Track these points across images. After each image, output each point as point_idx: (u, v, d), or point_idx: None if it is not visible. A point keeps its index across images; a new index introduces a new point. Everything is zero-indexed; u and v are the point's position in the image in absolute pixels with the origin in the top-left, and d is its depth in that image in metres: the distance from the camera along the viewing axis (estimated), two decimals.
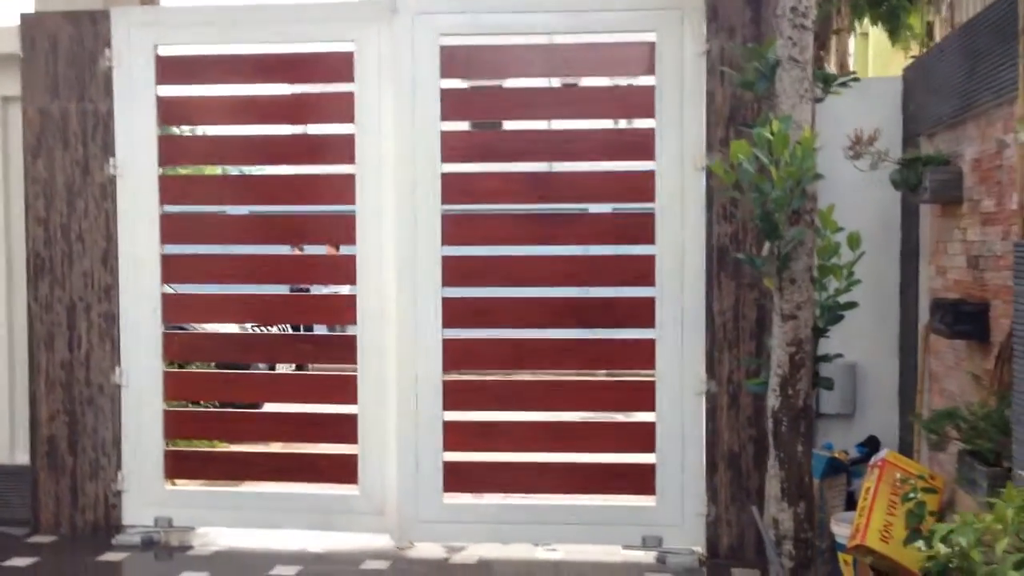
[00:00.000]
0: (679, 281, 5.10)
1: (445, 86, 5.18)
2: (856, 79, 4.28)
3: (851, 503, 4.74)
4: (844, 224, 3.89)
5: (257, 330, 7.97)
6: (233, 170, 6.95)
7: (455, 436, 5.28)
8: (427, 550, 5.24)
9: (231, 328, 7.09)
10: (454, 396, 5.27)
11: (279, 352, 5.63)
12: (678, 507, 5.12)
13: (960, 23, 4.57)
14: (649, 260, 5.13)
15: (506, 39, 5.32)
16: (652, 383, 5.15)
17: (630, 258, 5.19)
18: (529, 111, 5.58)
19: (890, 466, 4.19)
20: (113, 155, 5.38)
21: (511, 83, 6.11)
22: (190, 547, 5.35)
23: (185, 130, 5.98)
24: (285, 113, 5.63)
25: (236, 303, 5.72)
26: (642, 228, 5.13)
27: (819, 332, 3.87)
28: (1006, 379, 3.46)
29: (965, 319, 3.75)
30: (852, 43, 8.68)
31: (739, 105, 4.96)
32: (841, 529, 4.41)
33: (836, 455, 4.77)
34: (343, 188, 5.30)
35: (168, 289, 5.58)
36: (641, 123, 5.19)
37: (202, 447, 6.32)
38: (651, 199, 5.11)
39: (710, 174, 5.01)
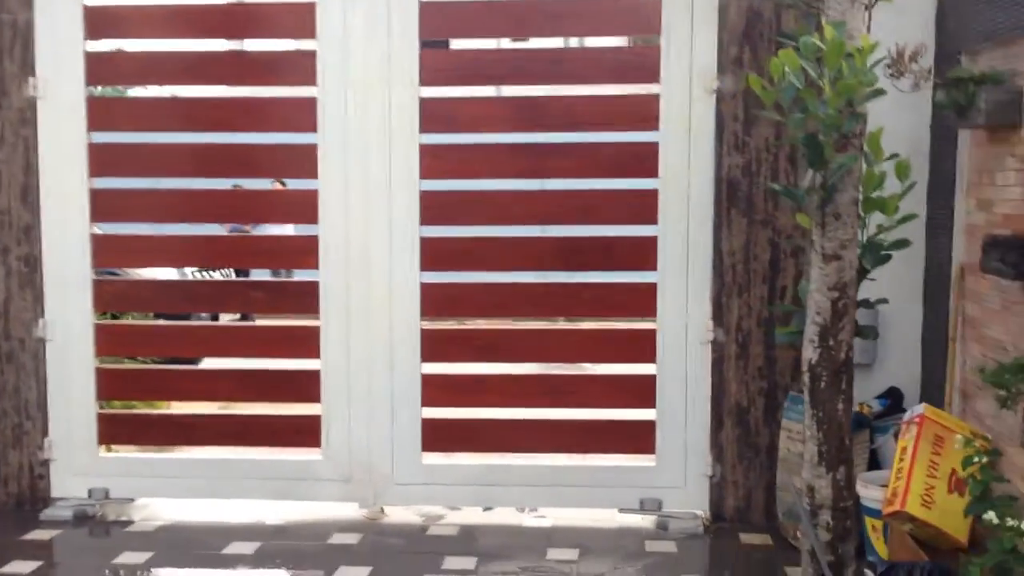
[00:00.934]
0: (684, 219, 4.68)
1: None
2: None
3: (874, 462, 4.42)
4: None
5: (198, 276, 7.39)
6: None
7: (434, 390, 4.84)
8: (401, 518, 4.82)
9: (170, 274, 6.51)
10: (433, 347, 4.82)
11: (228, 301, 5.10)
12: (680, 467, 4.76)
13: None
14: (651, 195, 4.70)
15: None
16: (653, 332, 4.76)
17: (630, 193, 4.76)
18: (519, 27, 5.05)
19: (929, 422, 3.86)
20: (33, 74, 4.75)
21: None
22: (130, 522, 4.85)
23: (118, 45, 5.30)
24: (235, 25, 5.03)
25: (177, 245, 5.15)
26: (644, 159, 4.70)
27: (862, 275, 3.47)
28: None
29: None
30: None
31: (755, 20, 4.51)
32: (869, 492, 4.08)
33: (858, 409, 4.41)
34: (302, 114, 4.75)
35: (98, 230, 4.99)
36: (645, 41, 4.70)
37: (141, 409, 5.78)
38: (654, 127, 4.67)
39: (720, 98, 4.58)
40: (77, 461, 4.96)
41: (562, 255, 4.79)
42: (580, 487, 4.82)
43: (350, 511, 4.87)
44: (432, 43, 4.82)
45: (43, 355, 4.88)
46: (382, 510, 4.88)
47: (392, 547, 4.48)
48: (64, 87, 4.76)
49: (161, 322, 6.08)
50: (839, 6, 3.32)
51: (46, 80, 4.75)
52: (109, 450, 5.11)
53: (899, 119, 4.38)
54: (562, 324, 4.92)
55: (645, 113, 4.62)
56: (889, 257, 3.57)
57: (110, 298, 5.06)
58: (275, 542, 4.54)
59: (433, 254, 4.78)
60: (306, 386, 4.90)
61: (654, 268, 4.73)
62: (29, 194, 4.80)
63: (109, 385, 5.03)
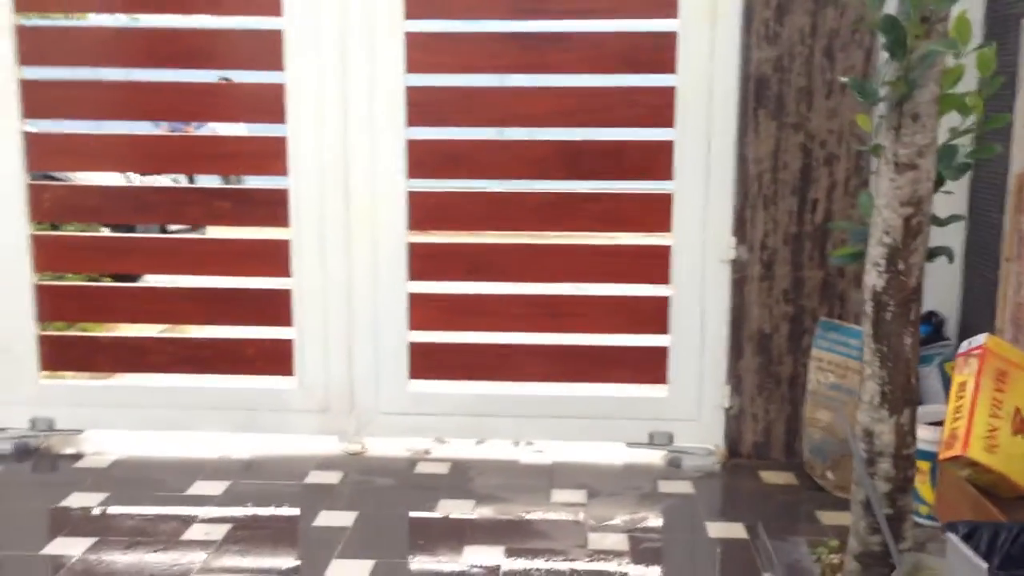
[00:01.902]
0: (705, 120, 4.13)
1: None
2: None
3: None
4: None
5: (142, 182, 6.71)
6: None
7: (423, 311, 4.32)
8: (386, 452, 4.34)
9: (115, 179, 5.83)
10: (421, 263, 4.27)
11: (187, 210, 4.47)
12: (694, 398, 4.31)
13: None
14: (667, 93, 4.14)
15: None
16: (667, 249, 4.25)
17: (643, 91, 4.17)
18: None
19: (992, 355, 3.41)
20: None
21: None
22: (79, 456, 4.32)
23: None
24: None
25: (122, 146, 4.47)
26: (659, 52, 4.12)
27: (937, 187, 2.96)
28: None
29: None
30: None
31: None
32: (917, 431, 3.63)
33: None
34: None
35: (31, 127, 4.32)
36: None
37: (91, 331, 5.18)
38: (672, 13, 4.08)
39: None
40: (16, 388, 4.42)
41: (566, 161, 4.22)
42: (583, 419, 4.36)
43: (328, 445, 4.38)
44: None
45: None
46: (363, 444, 4.38)
47: (378, 488, 4.00)
48: None
49: (109, 233, 5.42)
50: None
51: None
52: (53, 377, 4.53)
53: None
54: (566, 239, 4.35)
55: None
56: (969, 167, 3.06)
57: (49, 206, 4.40)
58: (245, 481, 4.03)
59: (421, 159, 4.21)
60: (277, 307, 4.35)
61: (669, 177, 4.20)
62: None
63: (51, 304, 4.43)
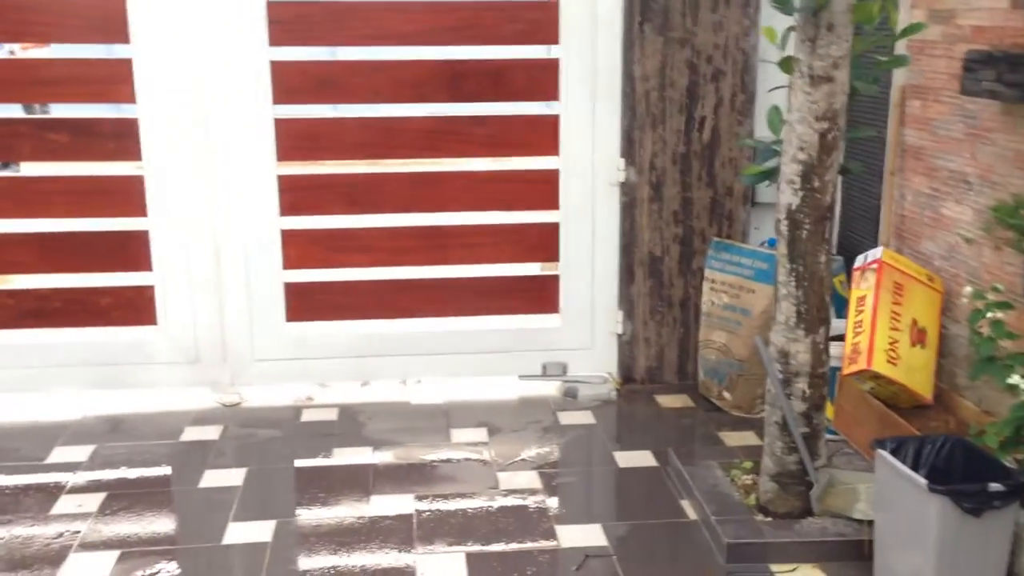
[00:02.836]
0: (590, 37, 3.98)
1: None
2: None
3: None
4: None
5: None
6: None
7: (297, 249, 4.04)
8: (265, 401, 4.07)
9: None
10: (293, 196, 3.98)
11: (18, 145, 3.93)
12: (587, 326, 4.23)
13: None
14: (551, 8, 3.96)
15: None
16: (555, 173, 4.09)
17: (526, 6, 3.98)
18: None
19: (888, 268, 3.45)
20: None
21: None
22: None
23: None
24: None
25: None
26: None
27: (851, 98, 2.91)
28: None
29: None
30: None
31: None
32: None
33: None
34: None
35: None
36: None
37: None
38: None
39: None
40: None
41: (445, 83, 3.97)
42: (474, 354, 4.21)
43: (202, 398, 4.06)
44: None
45: None
46: (240, 395, 4.08)
47: (263, 440, 3.73)
48: None
49: None
50: None
51: None
52: None
53: None
54: (449, 166, 4.12)
55: None
56: (877, 80, 3.03)
57: None
58: (113, 444, 3.68)
59: (287, 82, 3.87)
60: (133, 251, 3.96)
61: (555, 98, 4.04)
62: None
63: None
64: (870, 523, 2.84)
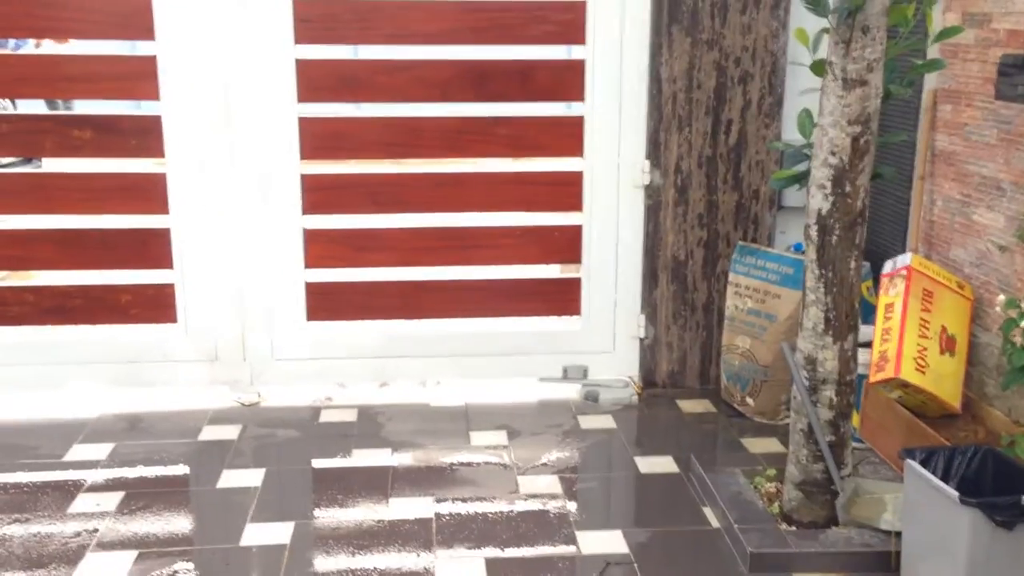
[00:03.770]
0: (617, 38, 3.95)
1: None
2: None
3: None
4: None
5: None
6: None
7: (319, 248, 4.03)
8: (284, 401, 4.06)
9: None
10: (316, 196, 3.96)
11: (42, 141, 3.91)
12: (608, 329, 4.19)
13: None
14: (578, 8, 3.93)
15: None
16: (579, 175, 4.06)
17: (553, 6, 3.94)
18: None
19: (917, 275, 3.40)
20: None
21: None
22: None
23: None
24: None
25: None
26: None
27: (884, 101, 2.86)
28: None
29: None
30: None
31: None
32: None
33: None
34: None
35: None
36: None
37: None
38: None
39: None
40: None
41: (471, 83, 3.95)
42: (494, 356, 4.19)
43: (221, 398, 4.05)
44: None
45: None
46: (259, 394, 4.07)
47: (282, 440, 3.71)
48: None
49: None
50: None
51: None
52: None
53: None
54: (473, 167, 4.09)
55: None
56: (912, 83, 2.99)
57: None
58: (131, 442, 3.68)
59: (312, 81, 3.86)
60: (154, 249, 3.96)
61: (581, 98, 4.01)
62: None
63: None
64: (897, 534, 2.79)
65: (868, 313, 3.61)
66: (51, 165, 5.06)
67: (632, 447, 3.68)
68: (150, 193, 3.91)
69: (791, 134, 4.04)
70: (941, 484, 2.43)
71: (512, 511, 3.15)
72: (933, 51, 3.58)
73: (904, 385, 3.24)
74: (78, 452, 3.58)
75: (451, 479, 3.38)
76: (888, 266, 3.53)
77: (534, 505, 3.19)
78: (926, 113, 3.79)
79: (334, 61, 3.93)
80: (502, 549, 2.91)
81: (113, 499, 3.21)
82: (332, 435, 3.75)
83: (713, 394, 4.14)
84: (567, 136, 4.03)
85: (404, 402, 4.07)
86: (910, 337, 3.29)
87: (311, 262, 4.03)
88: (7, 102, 8.16)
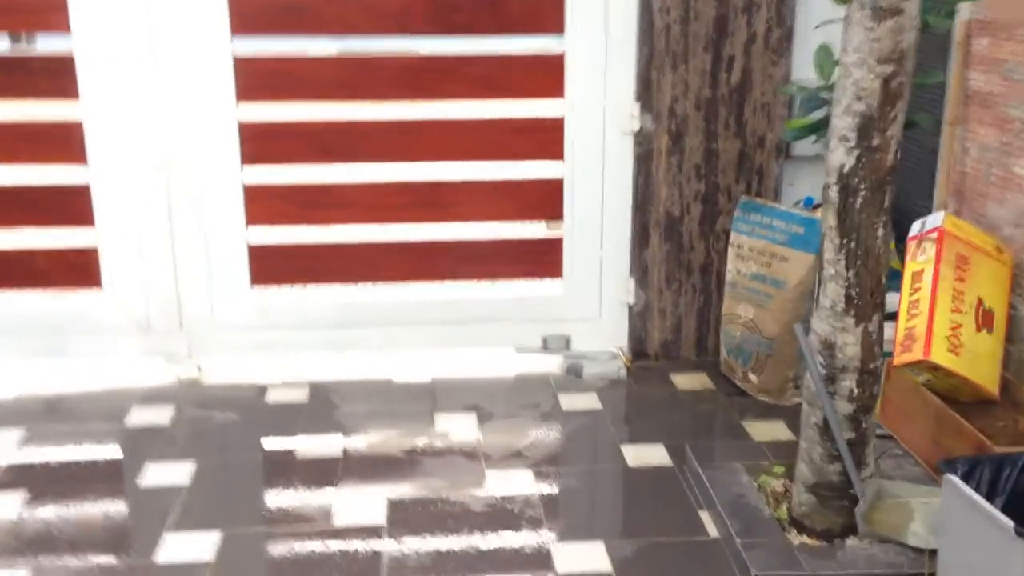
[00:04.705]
0: None
1: None
2: None
3: None
4: None
5: None
6: None
7: (262, 204, 3.57)
8: (227, 377, 3.63)
9: None
10: (256, 144, 3.50)
11: None
12: (594, 294, 3.75)
13: None
14: None
15: None
16: (559, 120, 3.57)
17: None
18: None
19: (951, 238, 2.95)
20: None
21: None
22: None
23: None
24: None
25: None
26: None
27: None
28: None
29: None
30: None
31: None
32: None
33: (811, 212, 3.45)
34: None
35: None
36: None
37: None
38: None
39: None
40: None
41: (433, 14, 3.45)
42: (465, 324, 3.75)
43: (155, 372, 3.60)
44: None
45: None
46: (199, 368, 3.61)
47: (219, 426, 3.28)
48: None
49: None
50: None
51: None
52: None
53: None
54: (436, 111, 3.58)
55: None
56: (954, 13, 2.49)
57: None
58: (47, 425, 3.24)
59: (248, 10, 3.33)
60: (73, 206, 3.47)
61: (560, 31, 3.49)
62: None
63: None
64: (931, 552, 2.37)
65: (891, 281, 3.15)
66: None
67: (619, 432, 3.25)
68: (65, 142, 3.42)
69: (801, 73, 3.56)
70: (992, 510, 2.00)
71: (477, 518, 2.71)
72: None
73: (934, 368, 2.80)
74: None
75: (409, 473, 2.95)
76: (916, 227, 3.06)
77: (503, 509, 2.76)
78: (959, 48, 3.28)
79: None
80: (464, 573, 2.48)
81: (11, 502, 2.77)
82: (278, 419, 3.31)
83: (711, 367, 3.70)
84: (545, 75, 3.54)
85: (363, 378, 3.64)
86: (942, 312, 2.83)
87: (253, 220, 3.56)
88: None
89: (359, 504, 2.77)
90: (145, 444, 3.13)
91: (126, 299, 3.58)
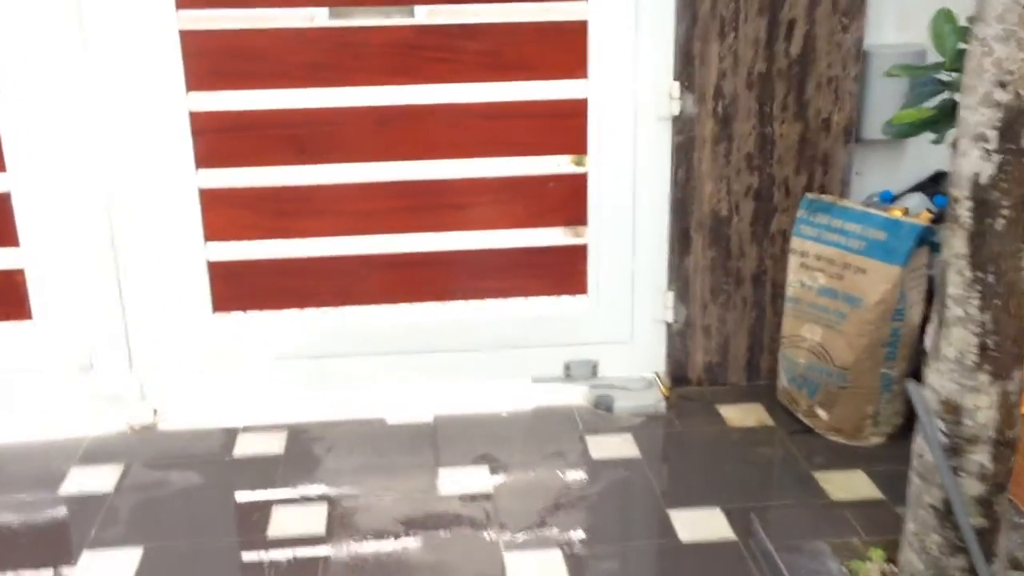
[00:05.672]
0: None
1: None
2: None
3: (931, 298, 2.92)
4: None
5: None
6: None
7: (222, 214, 3.00)
8: (188, 422, 3.04)
9: None
10: (213, 141, 2.92)
11: None
12: (625, 311, 3.18)
13: None
14: None
15: None
16: (581, 103, 2.97)
17: None
18: None
19: None
20: None
21: None
22: None
23: None
24: None
25: None
26: None
27: None
28: None
29: None
30: None
31: None
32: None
33: (890, 212, 2.85)
34: None
35: None
36: None
37: None
38: None
39: None
40: None
41: None
42: (471, 351, 3.19)
43: (104, 419, 3.02)
44: None
45: None
46: (155, 413, 3.04)
47: (176, 492, 2.71)
48: None
49: None
50: None
51: None
52: None
53: None
54: (431, 96, 2.95)
55: None
56: None
57: None
58: None
59: None
60: None
61: None
62: None
63: None
64: None
65: None
66: None
67: (664, 490, 2.68)
68: None
69: (877, 38, 2.95)
70: None
71: None
72: None
73: None
74: None
75: (407, 563, 2.38)
76: None
77: None
78: None
79: None
80: None
81: None
82: (248, 479, 2.74)
83: (765, 395, 3.13)
84: (564, 50, 2.93)
85: (351, 417, 3.06)
86: None
87: (213, 233, 2.96)
88: None
89: None
90: (80, 522, 2.56)
91: (61, 331, 2.99)
